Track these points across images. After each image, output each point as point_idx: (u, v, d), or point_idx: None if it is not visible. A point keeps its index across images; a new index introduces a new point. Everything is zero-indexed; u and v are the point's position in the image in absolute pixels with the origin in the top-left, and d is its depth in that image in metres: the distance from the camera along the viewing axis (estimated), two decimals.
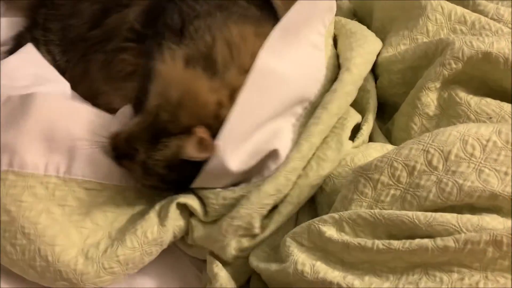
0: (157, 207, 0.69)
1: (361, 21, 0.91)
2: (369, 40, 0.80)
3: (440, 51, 0.71)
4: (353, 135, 0.75)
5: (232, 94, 0.66)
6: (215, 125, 0.64)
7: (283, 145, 0.69)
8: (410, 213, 0.55)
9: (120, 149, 0.70)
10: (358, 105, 0.79)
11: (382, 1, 0.86)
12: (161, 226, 0.68)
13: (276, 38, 0.69)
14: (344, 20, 0.85)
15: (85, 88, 0.88)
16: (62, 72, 0.88)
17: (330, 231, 0.59)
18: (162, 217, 0.68)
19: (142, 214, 0.70)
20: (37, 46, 0.90)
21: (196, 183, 0.68)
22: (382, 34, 0.85)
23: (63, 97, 0.80)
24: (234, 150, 0.65)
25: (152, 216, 0.68)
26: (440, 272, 0.52)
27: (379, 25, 0.87)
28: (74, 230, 0.68)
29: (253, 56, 0.67)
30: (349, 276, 0.56)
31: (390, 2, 0.85)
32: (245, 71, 0.67)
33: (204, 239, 0.69)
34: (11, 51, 0.89)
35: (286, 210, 0.68)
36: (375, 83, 0.81)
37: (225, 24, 0.74)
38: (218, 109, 0.66)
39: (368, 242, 0.55)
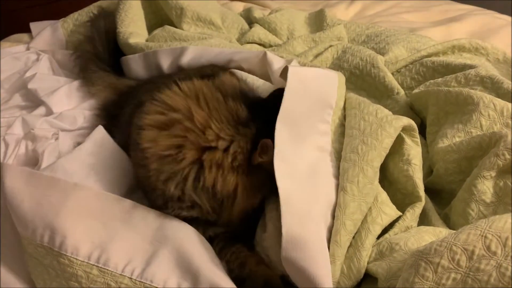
0: None
1: (418, 113, 0.98)
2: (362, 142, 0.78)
3: (493, 143, 0.75)
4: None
5: None
6: None
7: None
8: None
9: None
10: (404, 189, 0.81)
11: (436, 97, 0.92)
12: None
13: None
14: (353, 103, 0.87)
15: None
16: None
17: None
18: None
19: None
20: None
21: None
22: (437, 127, 0.90)
23: None
24: None
25: None
26: None
27: (434, 118, 0.92)
28: None
29: None
30: None
31: (444, 98, 0.90)
32: None
33: None
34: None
35: None
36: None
37: None
38: None
39: None
